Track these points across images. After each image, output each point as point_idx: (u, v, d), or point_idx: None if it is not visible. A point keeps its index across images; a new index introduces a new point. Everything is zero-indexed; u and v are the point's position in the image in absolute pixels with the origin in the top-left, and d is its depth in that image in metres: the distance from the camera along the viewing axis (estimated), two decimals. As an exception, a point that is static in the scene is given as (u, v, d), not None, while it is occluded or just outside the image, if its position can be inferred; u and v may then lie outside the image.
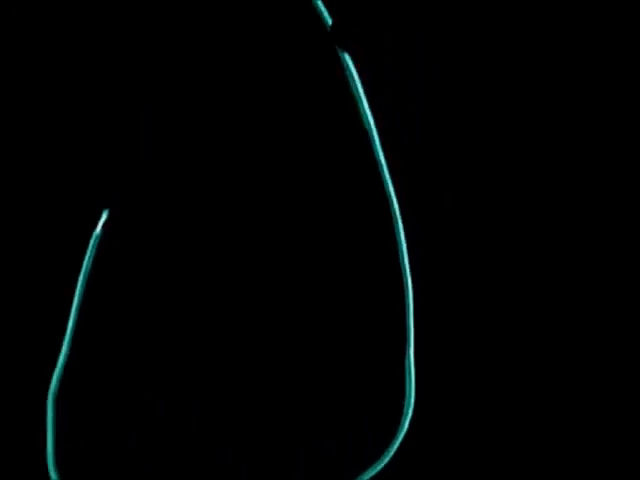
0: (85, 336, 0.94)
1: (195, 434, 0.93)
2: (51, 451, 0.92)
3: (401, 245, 0.92)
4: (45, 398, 0.93)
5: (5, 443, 0.93)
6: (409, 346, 0.92)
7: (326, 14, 0.92)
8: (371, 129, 0.92)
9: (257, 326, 0.93)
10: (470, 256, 0.94)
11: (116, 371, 0.94)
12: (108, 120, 0.93)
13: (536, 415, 0.93)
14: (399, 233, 0.92)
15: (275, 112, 0.94)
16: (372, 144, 0.92)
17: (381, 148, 0.92)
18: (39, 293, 0.94)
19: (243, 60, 0.94)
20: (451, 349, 0.93)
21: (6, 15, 0.90)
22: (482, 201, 0.94)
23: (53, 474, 0.92)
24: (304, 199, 0.94)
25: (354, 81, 0.92)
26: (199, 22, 0.93)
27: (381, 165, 0.92)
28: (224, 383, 0.93)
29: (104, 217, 0.93)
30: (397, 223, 0.92)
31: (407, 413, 0.91)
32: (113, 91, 0.93)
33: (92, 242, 0.93)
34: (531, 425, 0.93)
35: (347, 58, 0.93)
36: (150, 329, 0.94)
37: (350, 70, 0.92)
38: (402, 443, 0.92)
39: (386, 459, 0.91)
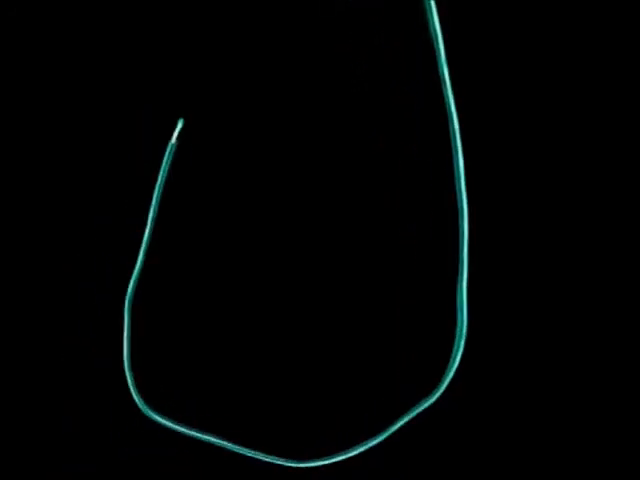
0: (161, 245, 0.93)
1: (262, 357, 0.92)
2: (127, 356, 0.92)
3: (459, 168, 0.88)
4: (122, 303, 0.93)
5: (82, 348, 0.94)
6: (462, 278, 0.89)
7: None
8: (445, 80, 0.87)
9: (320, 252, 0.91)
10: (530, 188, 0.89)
11: (191, 281, 0.93)
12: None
13: (585, 357, 0.89)
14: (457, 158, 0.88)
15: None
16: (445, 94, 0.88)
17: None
18: (116, 202, 0.93)
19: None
20: (505, 280, 0.89)
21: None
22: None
23: (129, 375, 0.92)
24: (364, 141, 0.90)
25: (435, 29, 0.87)
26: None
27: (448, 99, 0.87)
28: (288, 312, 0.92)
29: (179, 126, 0.91)
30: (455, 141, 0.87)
31: (459, 346, 0.88)
32: None
33: (168, 151, 0.91)
34: (581, 367, 0.90)
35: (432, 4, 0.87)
36: (223, 239, 0.92)
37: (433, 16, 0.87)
38: (453, 379, 0.89)
39: (437, 394, 0.89)
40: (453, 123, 0.88)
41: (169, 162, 0.91)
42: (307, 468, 0.91)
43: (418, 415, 0.90)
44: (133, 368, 0.93)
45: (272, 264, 0.92)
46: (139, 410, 0.93)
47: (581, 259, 0.89)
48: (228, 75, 0.91)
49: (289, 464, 0.91)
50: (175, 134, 0.89)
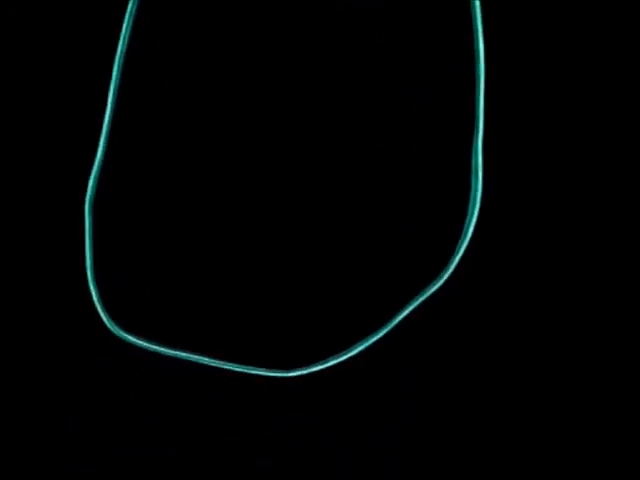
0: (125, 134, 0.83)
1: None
2: (90, 261, 0.83)
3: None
4: (82, 204, 0.83)
5: (43, 250, 0.84)
6: (477, 135, 0.79)
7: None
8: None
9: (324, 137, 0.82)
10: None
11: (159, 183, 0.84)
12: None
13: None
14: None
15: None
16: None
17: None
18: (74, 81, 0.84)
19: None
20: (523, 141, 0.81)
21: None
22: None
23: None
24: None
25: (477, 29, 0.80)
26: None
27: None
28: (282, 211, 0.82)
29: None
30: None
31: (472, 215, 0.79)
32: None
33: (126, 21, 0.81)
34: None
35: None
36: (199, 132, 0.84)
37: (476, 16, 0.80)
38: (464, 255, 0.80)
39: (444, 277, 0.79)
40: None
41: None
42: (304, 375, 0.81)
43: (422, 304, 0.80)
44: (97, 282, 0.83)
45: (251, 154, 0.83)
46: (108, 330, 0.83)
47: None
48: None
49: (277, 374, 0.81)
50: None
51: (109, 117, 0.83)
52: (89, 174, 0.83)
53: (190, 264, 0.83)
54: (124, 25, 0.82)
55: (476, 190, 0.79)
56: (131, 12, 0.82)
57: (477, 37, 0.79)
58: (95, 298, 0.83)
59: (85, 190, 0.83)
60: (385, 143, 0.82)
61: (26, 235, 0.84)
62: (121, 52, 0.82)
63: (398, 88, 0.82)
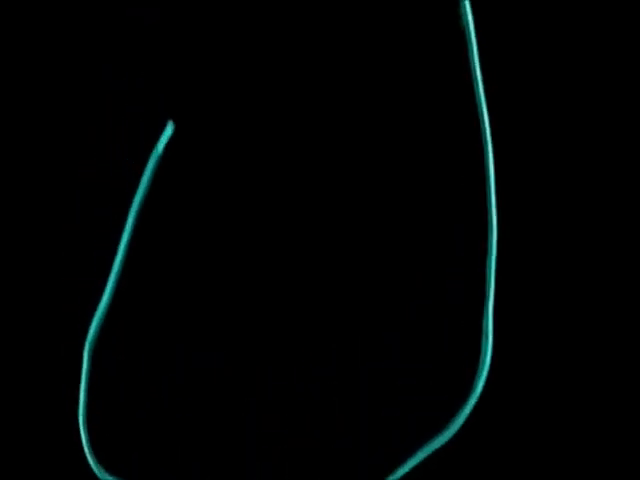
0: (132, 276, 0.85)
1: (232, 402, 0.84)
2: (83, 403, 0.82)
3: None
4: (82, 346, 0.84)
5: (38, 390, 0.84)
6: (488, 301, 0.82)
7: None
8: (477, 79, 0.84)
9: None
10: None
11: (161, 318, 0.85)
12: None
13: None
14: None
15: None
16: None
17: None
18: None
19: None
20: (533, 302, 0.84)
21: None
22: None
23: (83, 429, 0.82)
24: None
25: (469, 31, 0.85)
26: None
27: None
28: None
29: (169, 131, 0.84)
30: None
31: (481, 376, 0.81)
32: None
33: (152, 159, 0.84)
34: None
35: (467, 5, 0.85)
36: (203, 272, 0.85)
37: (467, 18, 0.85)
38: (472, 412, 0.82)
39: (455, 427, 0.81)
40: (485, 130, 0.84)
41: (151, 174, 0.83)
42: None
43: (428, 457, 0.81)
44: (88, 424, 0.83)
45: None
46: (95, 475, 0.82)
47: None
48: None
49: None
50: (163, 140, 0.83)
51: (119, 264, 0.84)
52: (92, 316, 0.84)
53: (186, 417, 0.84)
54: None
55: (485, 354, 0.82)
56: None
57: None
58: (84, 441, 0.82)
59: (86, 332, 0.84)
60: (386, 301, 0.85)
61: (23, 368, 0.84)
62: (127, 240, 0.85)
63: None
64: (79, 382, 0.83)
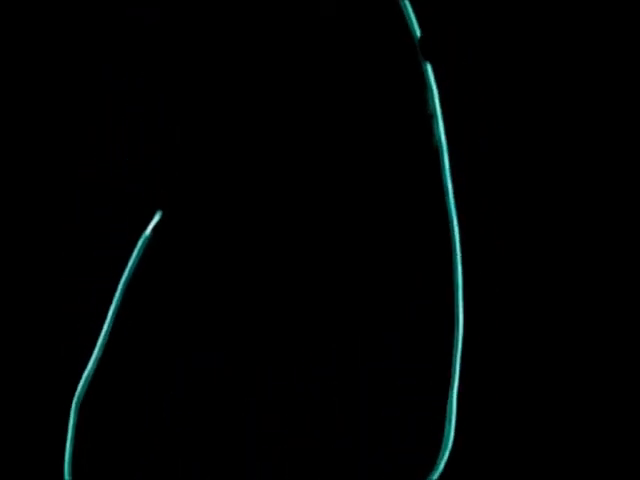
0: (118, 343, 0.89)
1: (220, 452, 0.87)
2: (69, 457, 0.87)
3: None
4: (70, 403, 0.88)
5: (25, 446, 0.88)
6: (453, 385, 0.86)
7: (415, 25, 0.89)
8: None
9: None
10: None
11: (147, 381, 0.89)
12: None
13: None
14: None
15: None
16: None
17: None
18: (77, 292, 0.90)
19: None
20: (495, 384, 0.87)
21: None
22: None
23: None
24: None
25: (432, 89, 0.88)
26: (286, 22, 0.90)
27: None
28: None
29: (156, 218, 0.88)
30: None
31: (444, 453, 0.84)
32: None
33: (140, 243, 0.88)
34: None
35: (429, 68, 0.89)
36: (189, 341, 0.89)
37: (429, 79, 0.89)
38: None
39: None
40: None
41: (139, 256, 0.88)
42: None
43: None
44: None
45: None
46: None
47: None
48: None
49: None
50: (151, 226, 0.88)
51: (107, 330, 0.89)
52: (81, 374, 0.88)
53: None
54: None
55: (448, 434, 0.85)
56: None
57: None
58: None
59: (74, 390, 0.88)
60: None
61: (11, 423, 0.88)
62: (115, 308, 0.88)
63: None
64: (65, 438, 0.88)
